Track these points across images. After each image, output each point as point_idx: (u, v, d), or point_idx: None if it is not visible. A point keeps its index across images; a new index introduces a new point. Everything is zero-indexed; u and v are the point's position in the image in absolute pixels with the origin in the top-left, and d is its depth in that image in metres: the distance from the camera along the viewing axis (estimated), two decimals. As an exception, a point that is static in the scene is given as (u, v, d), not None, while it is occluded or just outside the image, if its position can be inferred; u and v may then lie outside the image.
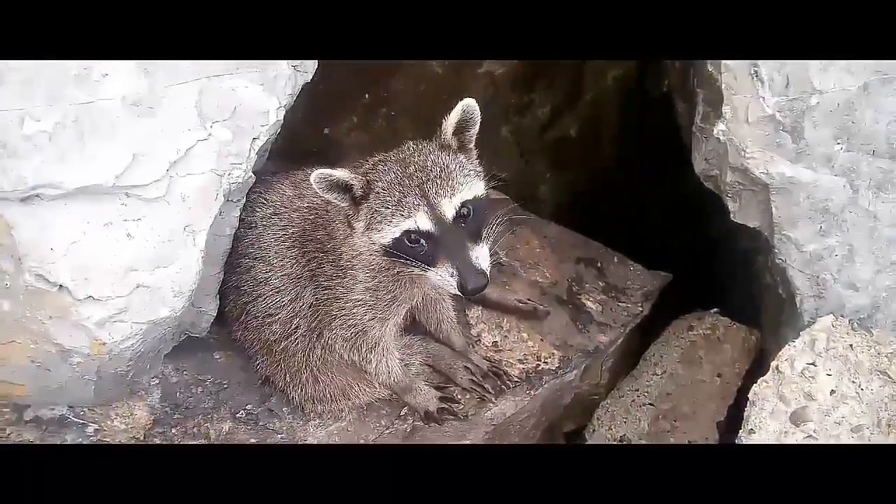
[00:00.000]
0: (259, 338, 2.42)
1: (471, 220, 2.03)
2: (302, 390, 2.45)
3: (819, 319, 2.50)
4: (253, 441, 2.41)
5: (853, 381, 2.35)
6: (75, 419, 2.34)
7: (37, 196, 1.97)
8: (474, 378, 2.58)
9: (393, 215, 2.02)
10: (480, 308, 2.81)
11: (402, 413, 2.53)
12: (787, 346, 2.46)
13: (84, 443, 2.29)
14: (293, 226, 2.32)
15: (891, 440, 2.22)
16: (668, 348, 3.07)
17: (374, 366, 2.36)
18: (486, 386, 2.57)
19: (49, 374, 2.18)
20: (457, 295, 2.06)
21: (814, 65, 2.28)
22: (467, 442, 2.46)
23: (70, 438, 2.31)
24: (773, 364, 2.43)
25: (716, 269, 3.74)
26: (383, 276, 2.21)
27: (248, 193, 2.32)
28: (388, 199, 2.03)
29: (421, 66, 3.49)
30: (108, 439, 2.32)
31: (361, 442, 2.45)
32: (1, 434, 2.27)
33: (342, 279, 2.22)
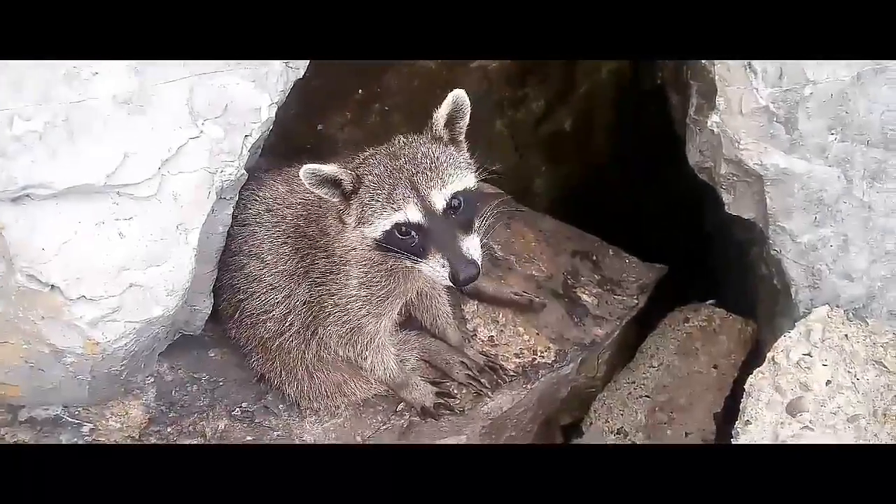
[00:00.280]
0: (254, 335, 2.42)
1: (461, 212, 2.03)
2: (297, 387, 2.44)
3: (814, 310, 2.50)
4: (249, 439, 2.40)
5: (849, 371, 2.35)
6: (70, 419, 2.33)
7: (27, 196, 1.96)
8: (470, 373, 2.58)
9: (383, 208, 2.01)
10: (476, 303, 2.81)
11: (398, 409, 2.53)
12: (782, 336, 2.46)
13: (79, 443, 2.29)
14: (286, 222, 2.32)
15: (887, 430, 2.22)
16: (665, 340, 3.07)
17: (369, 362, 2.36)
18: (482, 380, 2.57)
19: (43, 375, 2.17)
20: (450, 287, 2.05)
21: (807, 55, 2.28)
22: (464, 436, 2.46)
23: (65, 438, 2.30)
24: (769, 355, 2.43)
25: (711, 261, 3.74)
26: (377, 271, 2.20)
27: (240, 191, 2.31)
28: (378, 192, 2.02)
29: (414, 61, 3.47)
30: (103, 439, 2.32)
31: (358, 438, 2.45)
32: (-4, 435, 2.27)
33: (336, 275, 2.21)
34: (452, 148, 2.12)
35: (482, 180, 2.17)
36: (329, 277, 2.23)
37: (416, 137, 2.12)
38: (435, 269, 1.99)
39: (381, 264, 2.18)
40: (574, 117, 4.07)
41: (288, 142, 2.82)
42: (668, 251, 3.32)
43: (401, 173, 2.02)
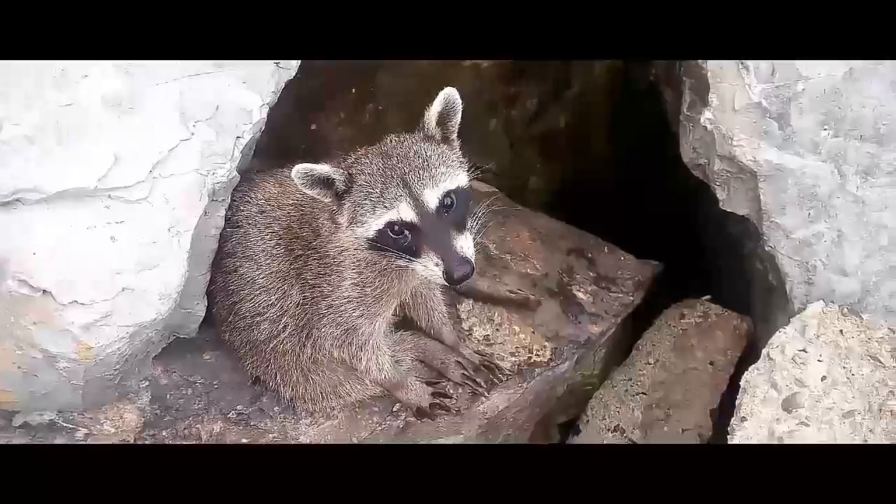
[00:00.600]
0: (248, 338, 2.41)
1: (454, 210, 2.02)
2: (293, 389, 2.44)
3: (809, 306, 2.50)
4: (244, 441, 2.40)
5: (844, 367, 2.35)
6: (65, 424, 2.32)
7: (18, 201, 1.96)
8: (466, 372, 2.57)
9: (375, 207, 2.01)
10: (471, 302, 2.81)
11: (394, 409, 2.52)
12: (777, 332, 2.46)
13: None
14: (279, 224, 2.31)
15: (882, 425, 2.22)
16: (661, 337, 3.07)
17: (364, 363, 2.35)
18: (478, 380, 2.56)
19: (36, 380, 2.16)
20: (445, 286, 2.04)
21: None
22: (461, 436, 2.46)
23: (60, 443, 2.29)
24: (765, 351, 2.43)
25: (706, 257, 3.74)
26: (370, 272, 2.19)
27: (233, 192, 2.30)
28: (371, 191, 2.01)
29: (407, 60, 3.46)
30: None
31: (354, 439, 2.44)
32: (-10, 440, 2.26)
33: (329, 276, 2.21)
34: (445, 146, 2.12)
35: (475, 178, 2.17)
36: (322, 279, 2.22)
37: (407, 136, 2.11)
38: (428, 268, 1.98)
39: (374, 265, 2.18)
40: (568, 115, 4.07)
41: (282, 141, 2.81)
42: (664, 247, 3.32)
43: (393, 172, 2.02)
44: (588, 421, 2.91)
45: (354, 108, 3.50)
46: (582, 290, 2.96)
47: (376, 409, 2.53)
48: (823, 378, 2.32)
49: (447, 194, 2.01)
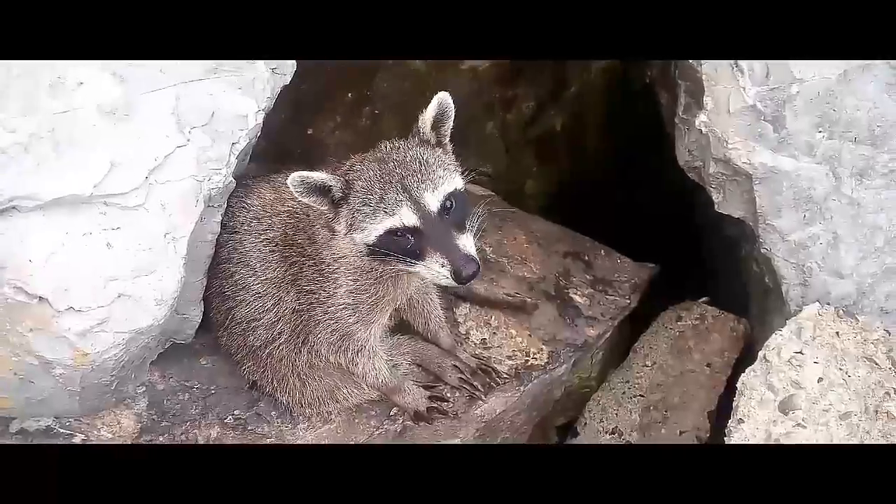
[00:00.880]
0: (244, 343, 2.41)
1: (454, 212, 2.03)
2: (289, 394, 2.44)
3: (805, 308, 2.50)
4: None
5: (840, 369, 2.35)
6: (62, 430, 2.32)
7: (14, 208, 1.95)
8: (463, 376, 2.57)
9: (375, 213, 2.01)
10: (468, 305, 2.81)
11: (391, 413, 2.52)
12: (774, 334, 2.46)
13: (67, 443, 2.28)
14: (274, 230, 2.31)
15: (878, 426, 2.23)
16: (658, 339, 3.07)
17: (361, 368, 2.36)
18: (475, 383, 2.56)
19: (32, 386, 2.16)
20: (446, 288, 2.03)
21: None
22: (458, 440, 2.46)
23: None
24: (761, 353, 2.43)
25: (703, 259, 3.74)
26: (366, 279, 2.20)
27: (228, 198, 2.30)
28: (370, 197, 2.02)
29: (404, 63, 3.46)
30: (95, 449, 2.31)
31: (351, 444, 2.44)
32: (-13, 446, 2.26)
33: (325, 283, 2.21)
34: (439, 150, 2.12)
35: (471, 182, 2.17)
36: (317, 286, 2.22)
37: (403, 142, 2.12)
38: (434, 270, 1.98)
39: (371, 272, 2.18)
40: (565, 117, 4.07)
41: (278, 146, 2.81)
42: (660, 250, 3.32)
43: (391, 177, 2.02)
44: (586, 424, 2.91)
45: (350, 112, 3.50)
46: (579, 293, 2.96)
47: (374, 413, 2.53)
48: (820, 380, 2.33)
49: (448, 197, 2.02)
